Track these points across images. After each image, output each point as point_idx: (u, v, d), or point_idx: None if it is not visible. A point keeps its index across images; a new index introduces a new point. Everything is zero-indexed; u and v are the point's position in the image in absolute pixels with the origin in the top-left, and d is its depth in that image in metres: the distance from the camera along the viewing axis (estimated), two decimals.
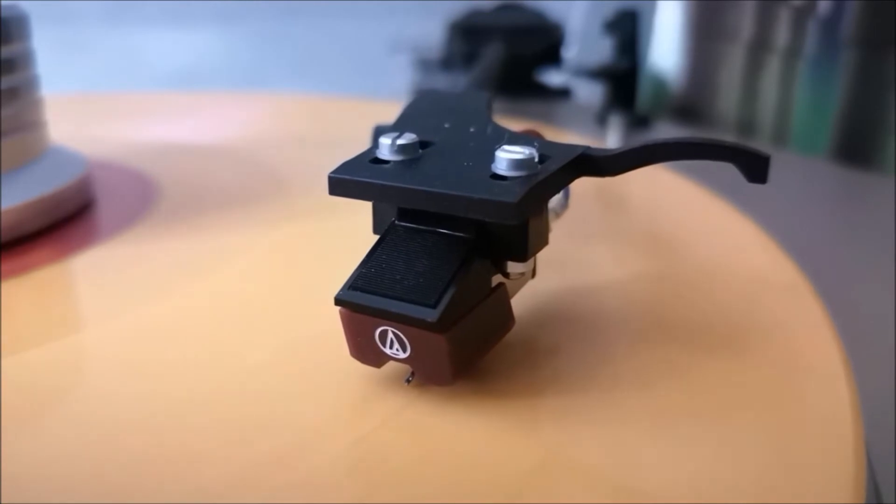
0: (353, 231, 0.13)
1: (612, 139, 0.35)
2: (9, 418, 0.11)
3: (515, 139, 0.12)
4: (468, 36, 0.40)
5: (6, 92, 0.18)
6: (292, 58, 0.57)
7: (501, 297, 0.11)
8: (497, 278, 0.12)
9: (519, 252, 0.11)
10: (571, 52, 0.42)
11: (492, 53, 0.34)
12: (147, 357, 0.13)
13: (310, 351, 0.13)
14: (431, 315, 0.10)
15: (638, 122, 0.37)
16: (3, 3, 0.18)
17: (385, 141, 0.12)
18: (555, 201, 0.13)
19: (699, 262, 0.16)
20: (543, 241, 0.12)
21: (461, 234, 0.11)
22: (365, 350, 0.11)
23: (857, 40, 0.32)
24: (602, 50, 0.39)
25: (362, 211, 0.13)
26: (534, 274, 0.13)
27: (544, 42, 0.40)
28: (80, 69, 0.53)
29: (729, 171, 0.11)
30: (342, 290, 0.11)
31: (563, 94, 0.41)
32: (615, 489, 0.10)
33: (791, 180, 0.31)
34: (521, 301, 0.13)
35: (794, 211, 0.30)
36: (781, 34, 0.35)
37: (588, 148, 0.12)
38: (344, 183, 0.11)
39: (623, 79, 0.38)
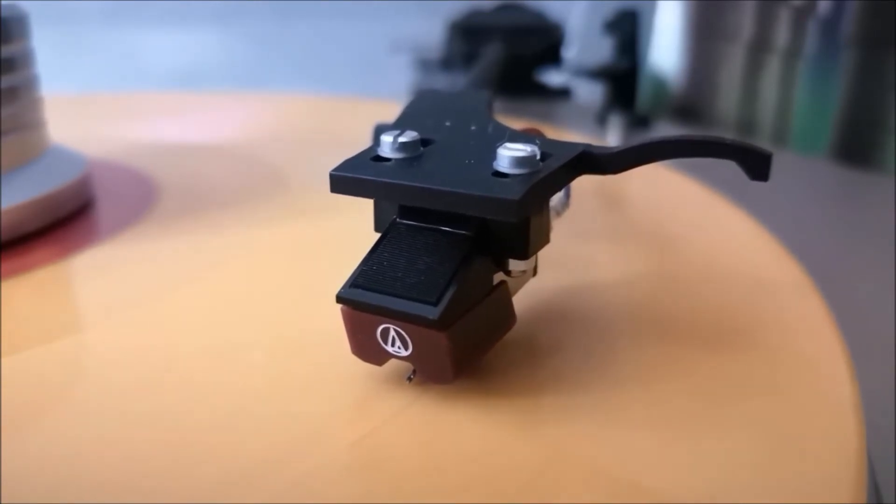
0: (353, 229, 0.13)
1: (612, 139, 0.35)
2: (9, 418, 0.11)
3: (517, 137, 0.12)
4: (468, 36, 0.40)
5: (6, 92, 0.18)
6: (292, 58, 0.56)
7: (503, 295, 0.11)
8: (498, 276, 0.12)
9: (520, 250, 0.11)
10: (571, 52, 0.42)
11: (492, 53, 0.34)
12: (147, 357, 0.13)
13: (311, 349, 0.13)
14: (433, 313, 0.10)
15: (638, 121, 0.37)
16: (3, 3, 0.18)
17: (387, 139, 0.12)
18: (556, 199, 0.13)
19: (701, 261, 0.16)
20: (545, 240, 0.12)
21: (462, 232, 0.11)
22: (366, 348, 0.11)
23: (857, 40, 0.32)
24: (602, 50, 0.39)
25: (363, 209, 0.13)
26: (535, 272, 0.13)
27: (544, 42, 0.41)
28: (80, 69, 0.53)
29: (730, 170, 0.11)
30: (344, 287, 0.11)
31: (563, 94, 0.41)
32: (617, 487, 0.10)
33: (791, 180, 0.31)
34: (523, 299, 0.13)
35: (794, 210, 0.30)
36: (781, 34, 0.35)
37: (589, 146, 0.12)
38: (345, 180, 0.11)
39: (623, 79, 0.38)
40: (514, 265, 0.12)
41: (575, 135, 0.26)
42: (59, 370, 0.12)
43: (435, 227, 0.11)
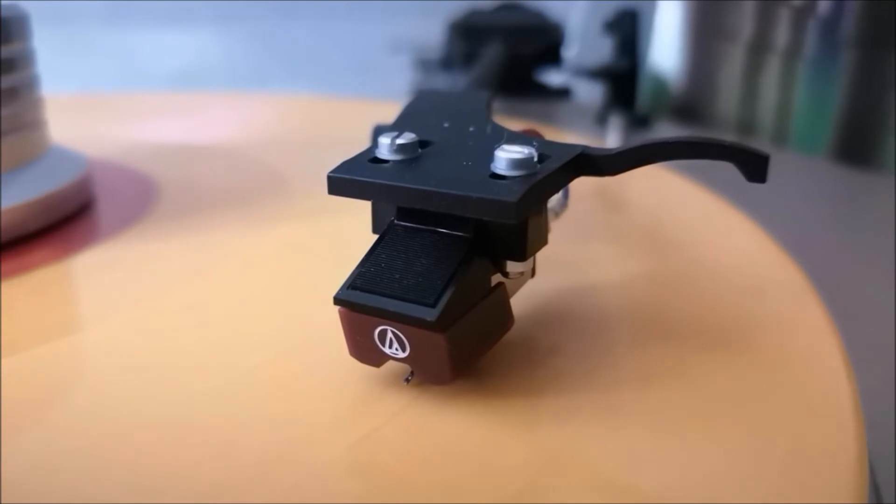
0: (352, 231, 0.13)
1: (612, 139, 0.35)
2: (9, 418, 0.11)
3: (514, 139, 0.12)
4: (468, 36, 0.40)
5: (6, 92, 0.18)
6: (292, 58, 0.57)
7: (500, 297, 0.11)
8: (496, 278, 0.12)
9: (518, 251, 0.11)
10: (571, 52, 0.42)
11: (492, 53, 0.34)
12: (147, 357, 0.13)
13: (309, 350, 0.13)
14: (430, 314, 0.10)
15: (638, 122, 0.37)
16: (3, 3, 0.18)
17: (384, 140, 0.12)
18: (554, 201, 0.13)
19: (699, 262, 0.16)
20: (543, 241, 0.12)
21: (460, 234, 0.11)
22: (364, 349, 0.11)
23: (857, 40, 0.33)
24: (602, 50, 0.39)
25: (362, 210, 0.13)
26: (533, 273, 0.13)
27: (544, 42, 0.41)
28: (80, 69, 0.53)
29: (729, 170, 0.11)
30: (341, 289, 0.11)
31: (563, 94, 0.41)
32: (615, 489, 0.10)
33: (791, 180, 0.31)
34: (521, 300, 0.13)
35: (794, 210, 0.30)
36: (781, 34, 0.35)
37: (587, 147, 0.12)
38: (343, 182, 0.11)
39: (623, 79, 0.38)
40: (512, 267, 0.12)
41: (575, 135, 0.26)
42: (60, 370, 0.13)
43: (433, 228, 0.11)
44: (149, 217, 0.19)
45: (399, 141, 0.12)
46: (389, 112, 0.15)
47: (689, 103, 0.39)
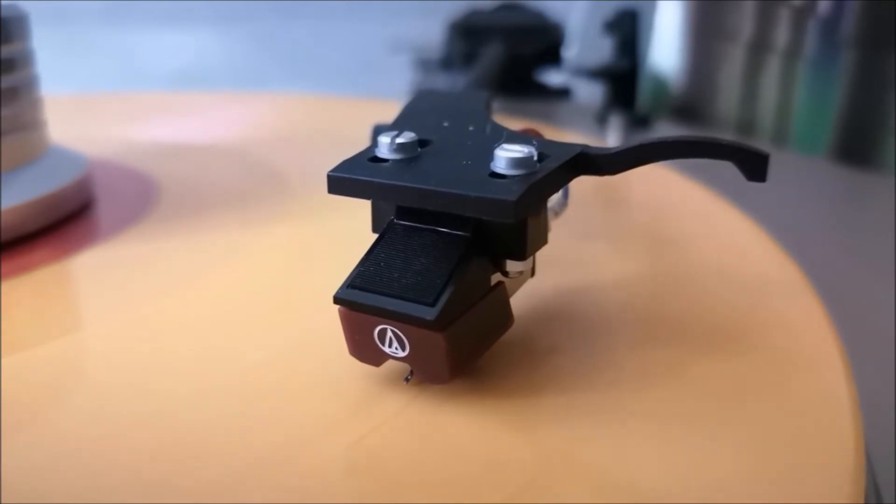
0: (352, 230, 0.13)
1: (612, 139, 0.36)
2: (9, 418, 0.11)
3: (514, 138, 0.12)
4: (468, 36, 0.40)
5: (6, 92, 0.18)
6: (292, 58, 0.57)
7: (500, 296, 0.11)
8: (496, 277, 0.12)
9: (517, 251, 0.11)
10: (571, 52, 0.42)
11: (492, 53, 0.34)
12: (147, 357, 0.13)
13: (309, 350, 0.13)
14: (430, 313, 0.10)
15: (638, 121, 0.37)
16: (3, 3, 0.18)
17: (384, 139, 0.12)
18: (554, 200, 0.13)
19: (699, 262, 0.16)
20: (542, 240, 0.12)
21: (460, 233, 0.11)
22: (364, 349, 0.11)
23: (857, 40, 0.33)
24: (602, 50, 0.39)
25: (361, 210, 0.13)
26: (533, 273, 0.13)
27: (544, 42, 0.41)
28: (80, 69, 0.53)
29: (729, 170, 0.11)
30: (341, 288, 0.11)
31: (563, 94, 0.41)
32: (615, 489, 0.10)
33: (791, 180, 0.31)
34: (520, 300, 0.13)
35: (794, 211, 0.30)
36: (781, 34, 0.35)
37: (587, 147, 0.12)
38: (343, 181, 0.11)
39: (623, 79, 0.38)
40: (512, 266, 0.12)
41: (575, 135, 0.26)
42: (59, 370, 0.13)
43: (432, 227, 0.11)
44: (149, 217, 0.19)
45: (398, 140, 0.12)
46: (389, 112, 0.15)
47: (689, 103, 0.39)
